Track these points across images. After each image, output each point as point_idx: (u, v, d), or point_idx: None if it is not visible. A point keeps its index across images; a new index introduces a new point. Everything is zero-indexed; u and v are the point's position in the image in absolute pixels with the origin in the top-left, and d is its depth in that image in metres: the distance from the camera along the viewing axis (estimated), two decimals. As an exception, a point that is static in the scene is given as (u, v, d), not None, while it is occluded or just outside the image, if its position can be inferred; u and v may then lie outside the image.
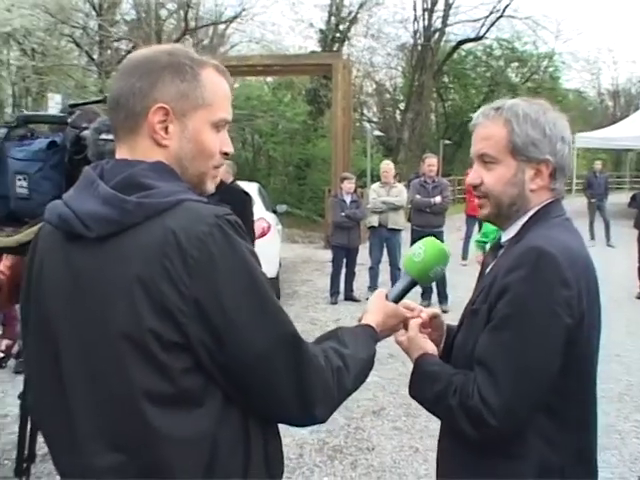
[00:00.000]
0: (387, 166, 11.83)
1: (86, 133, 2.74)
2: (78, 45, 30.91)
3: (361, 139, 34.70)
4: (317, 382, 1.60)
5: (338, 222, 11.69)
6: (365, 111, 43.04)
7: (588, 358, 2.01)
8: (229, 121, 1.73)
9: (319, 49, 32.41)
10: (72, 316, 1.56)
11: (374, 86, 41.92)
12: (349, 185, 11.76)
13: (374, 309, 2.08)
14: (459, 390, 1.93)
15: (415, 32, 35.54)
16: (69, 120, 2.84)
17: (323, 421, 1.70)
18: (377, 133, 31.05)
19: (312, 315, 10.70)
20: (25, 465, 3.63)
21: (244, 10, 31.41)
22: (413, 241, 10.44)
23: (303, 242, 20.42)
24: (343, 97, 17.82)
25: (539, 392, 1.89)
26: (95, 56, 31.66)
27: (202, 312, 1.46)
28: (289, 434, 5.55)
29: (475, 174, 2.07)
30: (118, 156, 1.66)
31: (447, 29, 36.53)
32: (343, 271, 11.80)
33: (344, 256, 11.76)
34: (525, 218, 2.04)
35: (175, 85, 1.62)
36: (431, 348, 2.15)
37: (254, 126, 30.12)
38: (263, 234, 10.95)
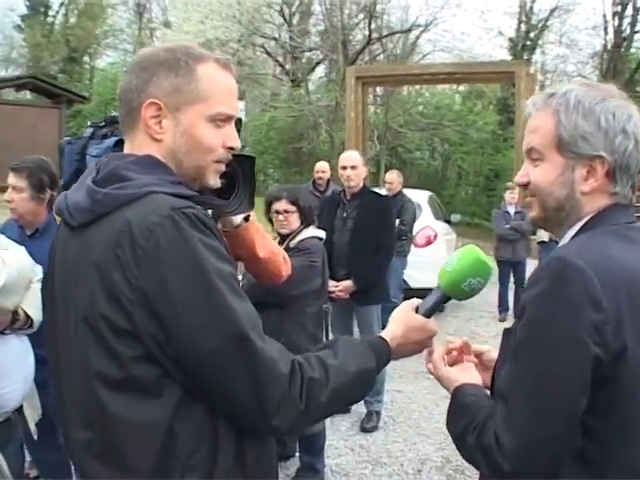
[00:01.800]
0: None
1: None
2: (270, 55, 32.00)
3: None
4: (273, 389, 1.51)
5: (502, 235, 11.17)
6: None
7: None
8: (231, 116, 1.71)
9: (509, 57, 31.67)
10: (61, 299, 1.65)
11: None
12: (512, 195, 11.23)
13: (397, 320, 1.89)
14: (480, 426, 1.62)
15: (605, 38, 33.79)
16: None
17: (291, 433, 1.68)
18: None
19: (473, 329, 10.28)
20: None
21: (435, 19, 31.35)
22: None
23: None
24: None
25: (562, 436, 1.54)
26: (288, 66, 32.64)
27: (147, 301, 1.45)
28: (414, 448, 5.35)
29: (523, 172, 1.75)
30: (124, 150, 1.71)
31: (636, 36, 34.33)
32: (512, 286, 11.24)
33: (510, 271, 11.23)
34: (578, 226, 1.70)
35: (169, 80, 1.63)
36: (472, 378, 1.84)
37: (442, 135, 29.95)
38: (429, 242, 10.79)
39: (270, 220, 4.64)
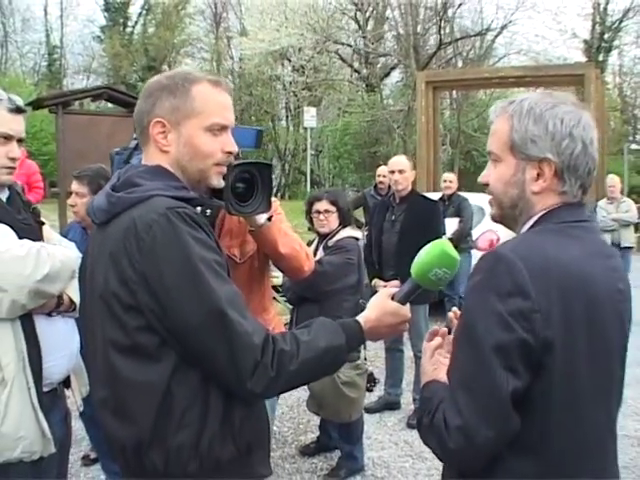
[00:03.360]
0: (612, 180, 11.04)
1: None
2: (344, 61, 32.22)
3: (637, 154, 32.76)
4: (246, 358, 1.77)
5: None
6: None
7: (574, 393, 1.70)
8: (225, 125, 2.01)
9: (584, 59, 31.11)
10: (88, 282, 1.98)
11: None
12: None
13: (373, 306, 2.08)
14: (433, 409, 1.75)
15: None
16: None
17: (265, 397, 1.95)
18: (634, 147, 29.07)
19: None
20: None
21: (510, 22, 31.10)
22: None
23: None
24: (596, 109, 16.98)
25: (498, 415, 1.65)
26: (363, 71, 32.79)
27: (147, 282, 1.77)
28: (636, 435, 5.39)
29: (485, 172, 1.91)
30: (142, 161, 2.06)
31: None
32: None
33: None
34: (529, 224, 1.84)
35: (168, 101, 1.96)
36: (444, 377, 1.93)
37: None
38: (491, 245, 10.80)
39: (311, 220, 4.94)
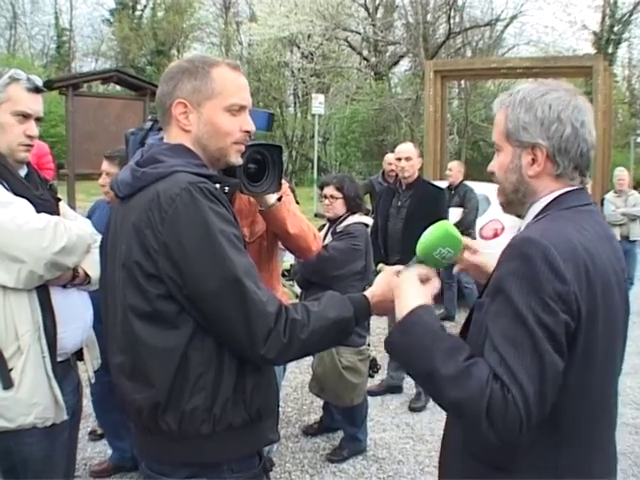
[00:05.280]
0: (622, 173, 10.96)
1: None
2: (353, 49, 32.16)
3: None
4: (260, 324, 1.88)
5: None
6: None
7: (591, 369, 1.78)
8: (243, 105, 2.12)
9: (593, 51, 31.01)
10: (110, 252, 2.08)
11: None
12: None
13: (378, 282, 2.20)
14: (476, 360, 1.72)
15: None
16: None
17: (277, 363, 2.09)
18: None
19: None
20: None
21: (520, 12, 31.03)
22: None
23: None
24: (604, 101, 16.96)
25: (550, 397, 1.70)
26: (372, 59, 32.73)
27: (168, 251, 1.87)
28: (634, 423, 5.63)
29: (492, 162, 2.02)
30: (163, 140, 2.15)
31: None
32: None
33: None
34: (538, 208, 1.92)
35: (190, 83, 2.06)
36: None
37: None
38: (495, 235, 10.80)
39: None
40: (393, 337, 1.89)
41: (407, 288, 1.98)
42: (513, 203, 1.99)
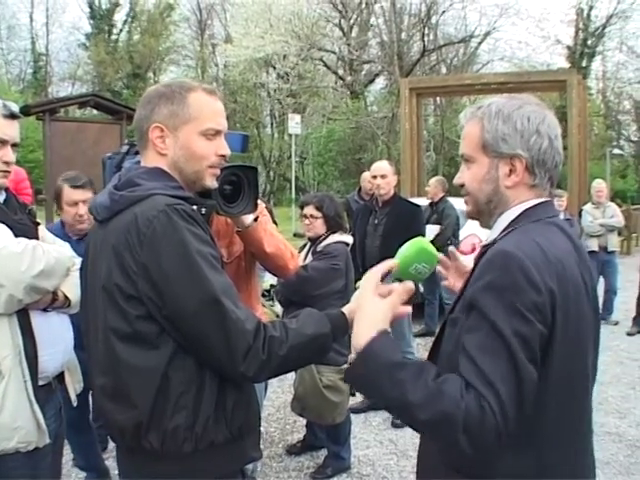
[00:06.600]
0: (600, 185, 11.04)
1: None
2: (329, 68, 32.34)
3: (620, 159, 32.99)
4: (239, 342, 1.91)
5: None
6: (623, 130, 40.72)
7: (566, 377, 1.82)
8: (219, 130, 2.17)
9: (567, 65, 31.38)
10: (90, 275, 2.11)
11: (632, 103, 39.45)
12: (560, 203, 11.18)
13: (356, 298, 2.16)
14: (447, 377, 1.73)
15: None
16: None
17: (257, 380, 2.07)
18: (616, 152, 29.31)
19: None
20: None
21: (494, 29, 31.38)
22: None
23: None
24: (579, 114, 17.19)
25: (525, 405, 1.72)
26: (348, 78, 32.91)
27: (147, 273, 1.90)
28: (623, 432, 5.62)
29: (459, 174, 2.05)
30: (141, 164, 2.19)
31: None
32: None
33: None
34: (507, 220, 1.94)
35: (167, 108, 2.10)
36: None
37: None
38: (474, 249, 10.84)
39: None
40: (353, 371, 1.84)
41: (362, 316, 1.92)
42: (483, 213, 2.01)
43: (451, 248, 2.43)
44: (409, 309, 2.05)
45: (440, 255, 2.29)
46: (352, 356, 1.91)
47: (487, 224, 2.04)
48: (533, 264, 1.73)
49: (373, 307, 1.92)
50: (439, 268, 2.35)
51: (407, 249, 2.14)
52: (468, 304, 1.80)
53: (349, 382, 1.92)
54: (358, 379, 1.84)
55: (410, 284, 2.00)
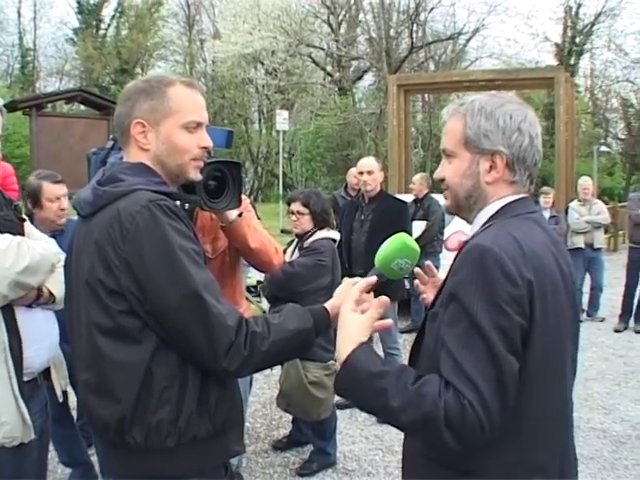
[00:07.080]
0: (586, 183, 11.07)
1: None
2: (317, 64, 32.31)
3: (607, 156, 33.09)
4: (221, 338, 1.93)
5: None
6: (611, 128, 40.87)
7: (546, 368, 1.84)
8: (200, 122, 2.17)
9: (555, 63, 31.45)
10: (74, 270, 2.12)
11: (620, 100, 39.60)
12: (546, 200, 11.18)
13: (338, 294, 2.23)
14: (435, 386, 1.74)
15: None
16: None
17: (239, 375, 2.09)
18: (604, 149, 29.41)
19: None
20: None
21: (482, 26, 31.44)
22: (631, 260, 9.98)
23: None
24: (566, 111, 17.20)
25: (508, 398, 1.74)
26: (336, 74, 32.89)
27: (130, 268, 1.91)
28: (608, 428, 5.67)
29: (439, 169, 2.07)
30: (123, 160, 2.21)
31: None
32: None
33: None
34: (486, 215, 1.99)
35: (147, 103, 2.11)
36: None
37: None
38: (460, 247, 10.87)
39: None
40: (338, 384, 1.89)
41: (343, 331, 1.94)
42: (463, 208, 2.04)
43: (427, 262, 2.43)
44: (389, 322, 2.10)
45: (417, 269, 2.32)
46: (337, 367, 1.95)
47: (466, 219, 2.07)
48: (509, 257, 1.76)
49: (353, 322, 1.96)
50: (416, 282, 2.38)
51: (389, 245, 2.15)
52: (447, 297, 1.83)
53: (338, 394, 1.98)
54: (344, 391, 1.92)
55: (385, 298, 1.99)
